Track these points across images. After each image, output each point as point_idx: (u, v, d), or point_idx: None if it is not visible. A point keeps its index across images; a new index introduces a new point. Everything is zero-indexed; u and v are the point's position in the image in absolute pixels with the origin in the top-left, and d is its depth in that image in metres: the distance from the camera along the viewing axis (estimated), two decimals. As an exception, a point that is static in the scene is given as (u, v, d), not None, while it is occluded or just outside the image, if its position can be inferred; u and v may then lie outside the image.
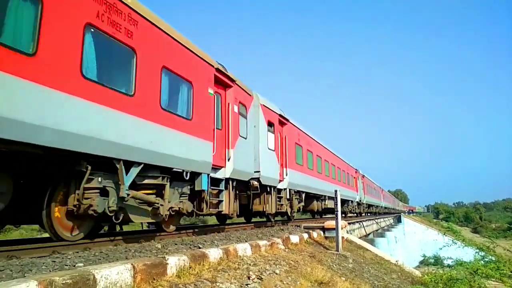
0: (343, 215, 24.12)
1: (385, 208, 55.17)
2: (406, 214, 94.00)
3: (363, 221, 23.43)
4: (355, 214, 30.50)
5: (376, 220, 32.92)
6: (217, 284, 4.33)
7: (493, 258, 11.30)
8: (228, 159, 9.21)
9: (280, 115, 13.24)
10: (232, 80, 9.63)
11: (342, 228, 10.82)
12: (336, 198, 10.51)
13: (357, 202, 30.30)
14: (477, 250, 11.98)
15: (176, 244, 6.19)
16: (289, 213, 14.19)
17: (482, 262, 11.16)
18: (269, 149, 12.00)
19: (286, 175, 13.35)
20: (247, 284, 4.64)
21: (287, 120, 13.96)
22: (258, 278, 4.97)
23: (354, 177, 30.29)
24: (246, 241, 7.03)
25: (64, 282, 2.95)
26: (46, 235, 6.68)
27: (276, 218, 14.51)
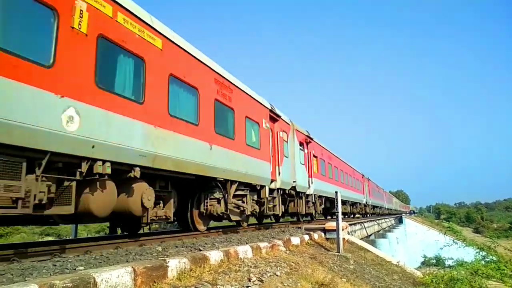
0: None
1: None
2: (408, 214, 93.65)
3: (365, 222, 23.38)
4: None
5: (377, 221, 32.87)
6: (218, 286, 4.33)
7: (494, 258, 11.29)
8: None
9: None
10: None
11: (343, 230, 10.82)
12: (337, 199, 10.51)
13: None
14: (478, 250, 11.97)
15: (177, 246, 6.20)
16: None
17: (483, 262, 11.15)
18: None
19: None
20: (247, 286, 4.64)
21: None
22: (258, 280, 4.98)
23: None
24: (247, 243, 7.04)
25: (64, 285, 2.97)
26: (47, 238, 6.72)
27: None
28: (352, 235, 15.65)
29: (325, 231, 11.63)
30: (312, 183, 16.12)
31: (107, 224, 7.94)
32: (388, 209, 57.71)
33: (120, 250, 5.58)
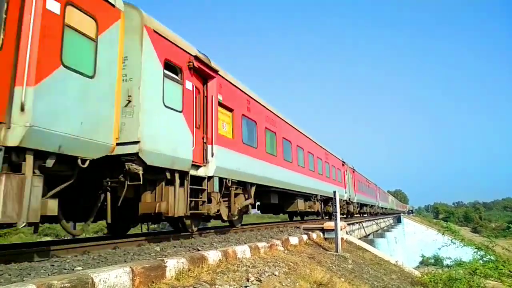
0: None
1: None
2: (406, 214, 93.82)
3: (363, 221, 23.47)
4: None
5: (375, 220, 32.95)
6: (216, 286, 4.34)
7: (492, 258, 11.35)
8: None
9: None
10: None
11: (341, 229, 10.84)
12: (335, 199, 10.54)
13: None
14: (476, 250, 12.03)
15: (175, 246, 6.20)
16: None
17: (481, 261, 11.20)
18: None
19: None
20: (246, 286, 4.65)
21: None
22: (257, 280, 4.98)
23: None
24: (245, 243, 7.04)
25: (62, 285, 2.96)
26: (45, 238, 6.70)
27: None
28: (351, 234, 15.70)
29: (323, 230, 11.66)
30: (213, 155, 8.49)
31: (105, 224, 7.86)
32: (382, 208, 50.23)
33: (118, 250, 5.58)
